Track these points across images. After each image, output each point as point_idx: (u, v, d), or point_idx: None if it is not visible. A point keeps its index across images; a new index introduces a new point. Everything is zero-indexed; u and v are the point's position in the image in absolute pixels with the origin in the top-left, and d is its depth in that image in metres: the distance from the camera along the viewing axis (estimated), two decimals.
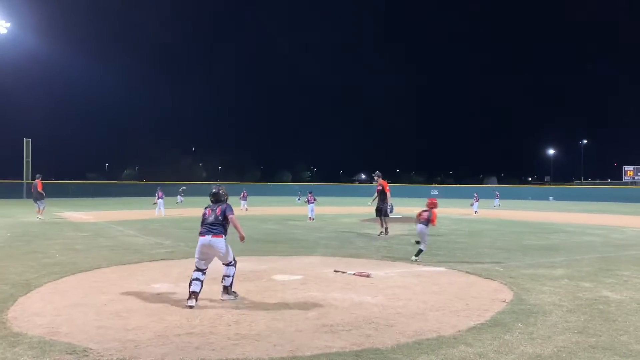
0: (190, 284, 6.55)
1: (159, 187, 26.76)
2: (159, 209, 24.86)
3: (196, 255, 6.81)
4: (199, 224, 7.02)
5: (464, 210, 31.09)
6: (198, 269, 6.71)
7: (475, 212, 28.65)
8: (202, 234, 6.86)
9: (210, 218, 6.91)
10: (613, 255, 11.41)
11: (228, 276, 6.88)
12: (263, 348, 4.74)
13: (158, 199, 25.07)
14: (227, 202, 7.22)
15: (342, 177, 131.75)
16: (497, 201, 40.56)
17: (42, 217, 21.23)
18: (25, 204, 32.13)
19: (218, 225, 6.86)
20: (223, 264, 6.90)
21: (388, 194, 15.51)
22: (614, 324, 5.60)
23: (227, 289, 6.91)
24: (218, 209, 6.98)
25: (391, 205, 15.69)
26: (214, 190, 7.26)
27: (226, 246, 6.86)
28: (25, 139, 51.25)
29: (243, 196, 31.69)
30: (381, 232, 15.23)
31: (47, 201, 23.22)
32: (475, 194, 29.98)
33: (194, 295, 6.47)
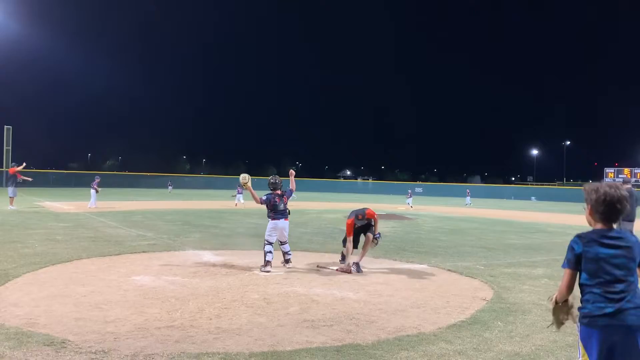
0: (266, 255, 8.47)
1: (96, 177, 25.01)
2: (92, 202, 23.26)
3: (270, 233, 8.70)
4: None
5: (447, 209, 31.34)
6: (271, 243, 8.63)
7: (410, 205, 31.90)
8: (277, 218, 8.77)
9: (281, 206, 8.80)
10: None
11: (289, 251, 8.91)
12: (244, 342, 4.72)
13: (92, 189, 23.52)
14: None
15: (327, 173, 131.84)
16: (468, 199, 41.01)
17: (14, 207, 20.88)
18: (5, 192, 31.63)
19: (286, 211, 8.91)
20: (282, 241, 8.85)
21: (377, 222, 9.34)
22: None
23: (289, 261, 8.86)
24: (285, 198, 8.91)
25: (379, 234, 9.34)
26: (272, 180, 8.98)
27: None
28: (6, 126, 50.40)
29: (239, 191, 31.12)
30: (351, 265, 8.70)
31: (27, 190, 22.89)
32: (409, 190, 35.35)
33: (269, 264, 8.44)
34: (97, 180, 24.24)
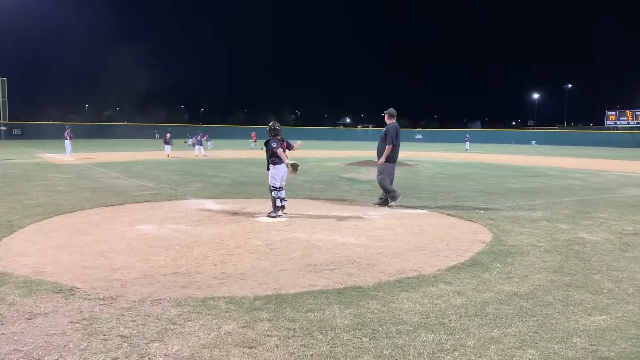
0: (275, 201, 8.69)
1: (67, 127, 25.61)
2: (69, 153, 24.13)
3: (274, 178, 8.74)
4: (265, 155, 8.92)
5: (447, 155, 31.33)
6: (277, 188, 8.75)
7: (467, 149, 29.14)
8: (277, 162, 8.77)
9: (279, 150, 8.74)
10: (591, 198, 11.67)
11: (284, 197, 8.87)
12: (248, 286, 4.83)
13: (65, 140, 24.36)
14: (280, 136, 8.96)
15: (326, 121, 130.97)
16: (467, 145, 40.70)
17: None
18: (3, 144, 31.50)
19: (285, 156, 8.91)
20: (280, 187, 8.80)
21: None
22: (588, 264, 5.79)
23: (283, 207, 8.80)
24: (284, 143, 8.96)
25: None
26: (272, 127, 8.93)
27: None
28: (0, 78, 49.65)
29: (198, 140, 29.83)
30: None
31: (27, 142, 22.93)
32: (467, 135, 31.27)
33: (279, 209, 8.72)
34: (68, 130, 24.66)
